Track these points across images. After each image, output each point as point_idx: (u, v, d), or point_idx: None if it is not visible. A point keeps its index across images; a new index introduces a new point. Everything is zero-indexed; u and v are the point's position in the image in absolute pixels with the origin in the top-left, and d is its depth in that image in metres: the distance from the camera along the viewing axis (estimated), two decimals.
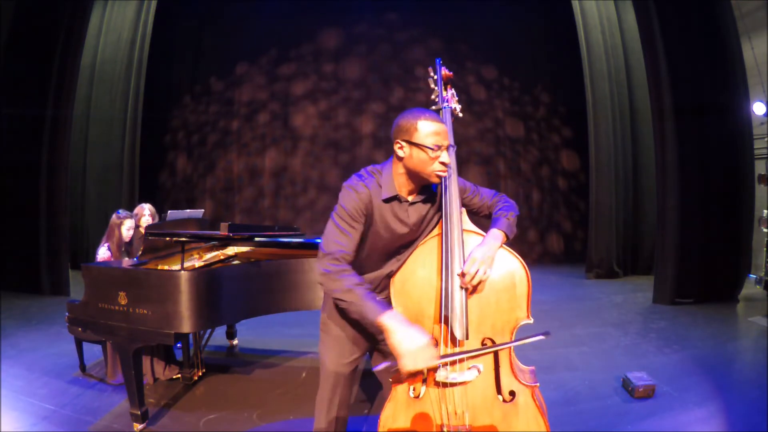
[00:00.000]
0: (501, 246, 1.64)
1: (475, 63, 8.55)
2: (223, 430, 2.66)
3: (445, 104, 1.86)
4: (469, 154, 8.58)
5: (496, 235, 1.65)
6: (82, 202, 7.49)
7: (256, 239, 2.95)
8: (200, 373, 3.29)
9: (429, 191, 1.73)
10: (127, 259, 3.35)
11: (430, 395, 1.61)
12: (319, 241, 2.99)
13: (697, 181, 5.28)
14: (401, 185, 1.67)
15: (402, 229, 1.70)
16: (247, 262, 3.05)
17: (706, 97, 5.22)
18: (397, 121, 1.65)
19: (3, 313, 4.83)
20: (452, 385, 1.57)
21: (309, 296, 2.97)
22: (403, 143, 1.62)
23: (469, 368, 1.57)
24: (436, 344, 1.62)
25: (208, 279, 2.60)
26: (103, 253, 3.37)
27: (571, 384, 3.18)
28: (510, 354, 1.63)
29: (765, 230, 5.31)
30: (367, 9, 8.52)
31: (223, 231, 2.55)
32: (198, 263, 3.04)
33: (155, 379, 3.25)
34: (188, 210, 4.18)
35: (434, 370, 1.58)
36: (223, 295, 2.70)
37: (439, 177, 1.63)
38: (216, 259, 3.17)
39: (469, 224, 1.69)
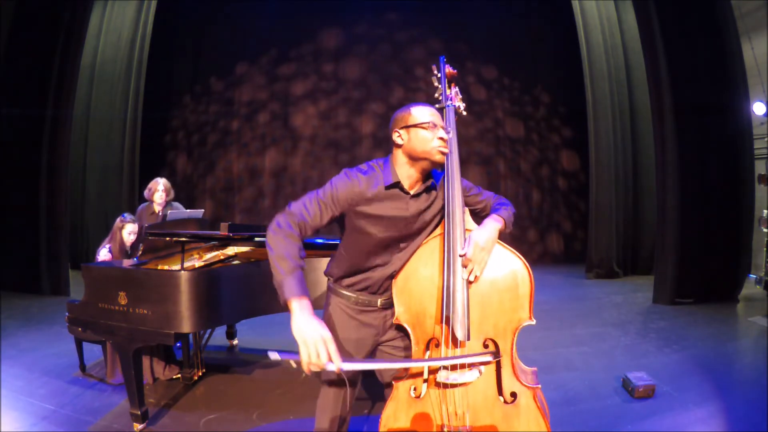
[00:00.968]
0: (500, 233, 1.64)
1: (475, 63, 8.55)
2: (223, 430, 2.66)
3: (449, 102, 1.85)
4: (469, 154, 8.57)
5: (496, 218, 1.67)
6: (82, 202, 7.49)
7: (256, 239, 2.95)
8: (200, 373, 3.29)
9: (430, 185, 1.70)
10: (127, 259, 3.35)
11: (431, 395, 1.61)
12: (319, 241, 3.01)
13: (697, 181, 5.28)
14: (403, 175, 1.66)
15: (399, 221, 1.67)
16: (247, 262, 3.05)
17: (706, 97, 5.22)
18: (392, 117, 1.70)
19: (3, 313, 4.83)
20: (453, 386, 1.57)
21: (309, 296, 2.96)
22: (400, 131, 1.65)
23: (470, 369, 1.57)
24: (438, 345, 1.62)
25: (208, 279, 2.60)
26: (104, 254, 3.38)
27: (571, 384, 3.18)
28: (512, 355, 1.62)
29: (765, 230, 5.31)
30: (367, 9, 8.52)
31: (223, 231, 2.55)
32: (198, 263, 3.04)
33: (155, 379, 3.25)
34: (188, 210, 4.18)
35: (435, 370, 1.57)
36: (223, 295, 2.70)
37: (442, 153, 1.62)
38: (216, 259, 3.17)
39: (471, 224, 1.68)
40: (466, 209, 1.70)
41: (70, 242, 6.67)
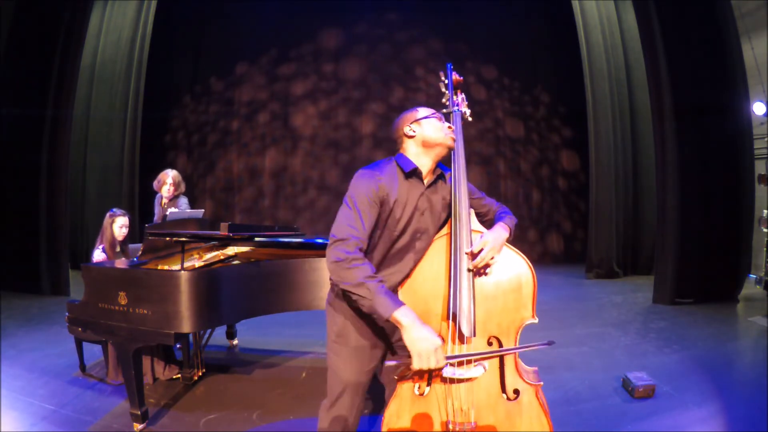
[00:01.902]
0: (507, 239, 1.71)
1: (475, 63, 8.55)
2: (223, 430, 2.66)
3: (456, 108, 1.89)
4: (469, 154, 8.49)
5: (503, 226, 1.74)
6: (82, 202, 7.49)
7: (256, 239, 2.96)
8: (200, 373, 3.29)
9: (440, 177, 1.79)
10: (123, 259, 3.34)
11: (435, 392, 1.63)
12: (319, 241, 3.01)
13: (697, 181, 5.28)
14: (419, 164, 1.74)
15: (416, 212, 1.73)
16: (247, 262, 3.05)
17: (706, 97, 5.22)
18: (398, 119, 1.81)
19: (3, 313, 4.83)
20: (458, 381, 1.60)
21: (309, 296, 2.97)
22: (411, 125, 1.76)
23: (475, 365, 1.60)
24: (443, 342, 1.63)
25: (208, 279, 2.60)
26: (98, 255, 3.36)
27: (571, 384, 3.18)
28: (515, 353, 1.65)
29: (765, 230, 5.31)
30: (367, 9, 8.52)
31: (223, 231, 2.55)
32: (198, 263, 3.04)
33: (155, 379, 3.25)
34: (188, 210, 4.17)
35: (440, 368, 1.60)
36: (223, 295, 2.70)
37: (453, 140, 1.73)
38: (216, 259, 3.17)
39: (477, 224, 1.73)
40: (472, 210, 1.74)
41: (70, 242, 6.66)
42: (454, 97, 1.92)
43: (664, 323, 4.57)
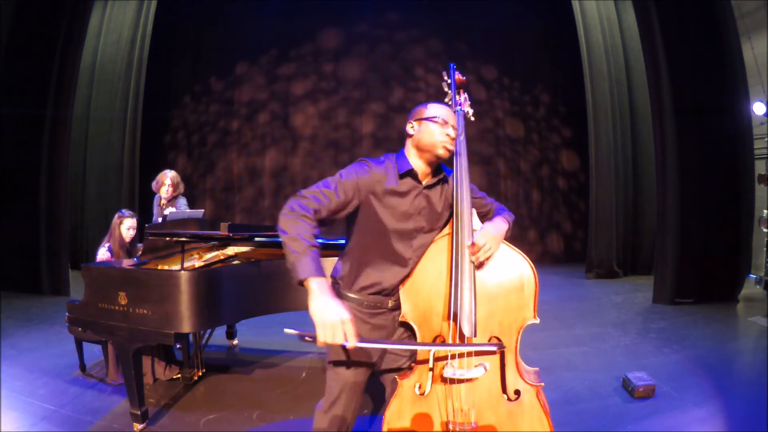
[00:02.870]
0: (506, 232, 1.72)
1: (475, 63, 8.54)
2: (223, 430, 2.66)
3: (458, 107, 1.89)
4: (469, 154, 8.47)
5: (503, 219, 1.75)
6: (82, 202, 7.48)
7: (256, 239, 2.96)
8: (200, 373, 3.29)
9: (442, 178, 1.77)
10: (129, 259, 3.35)
11: (436, 392, 1.63)
12: (319, 241, 3.01)
13: (697, 181, 5.28)
14: (414, 165, 1.72)
15: (413, 211, 1.71)
16: (247, 262, 3.05)
17: (706, 97, 5.22)
18: (412, 110, 1.78)
19: (3, 313, 4.83)
20: (459, 381, 1.59)
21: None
22: (414, 122, 1.73)
23: (477, 365, 1.60)
24: (444, 341, 1.64)
25: (208, 279, 2.60)
26: (102, 253, 3.36)
27: (571, 384, 3.18)
28: (516, 353, 1.65)
29: (765, 230, 5.30)
30: (367, 9, 8.52)
31: (223, 231, 2.56)
32: (198, 263, 3.04)
33: (155, 379, 3.25)
34: (188, 210, 4.17)
35: (442, 366, 1.60)
36: (223, 295, 2.70)
37: (446, 149, 1.68)
38: (216, 259, 3.17)
39: (478, 224, 1.73)
40: (474, 210, 1.74)
41: (70, 242, 6.66)
42: (457, 96, 1.92)
43: (664, 323, 4.58)
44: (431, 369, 1.64)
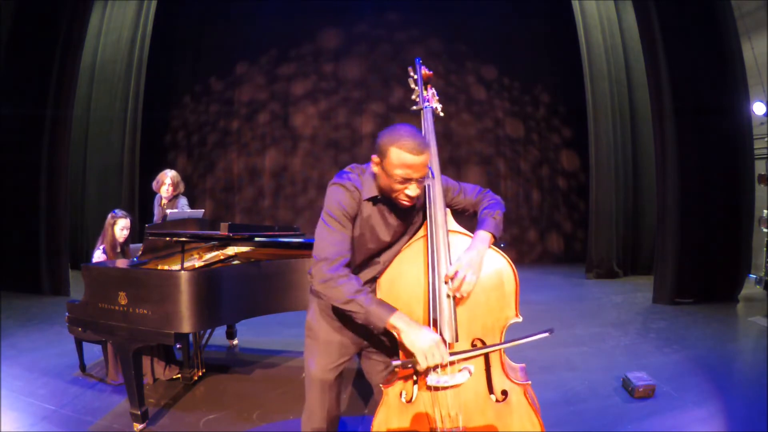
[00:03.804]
0: (489, 247, 1.62)
1: (475, 63, 8.55)
2: (223, 430, 2.66)
3: (426, 104, 1.83)
4: (469, 154, 8.57)
5: (483, 237, 1.61)
6: (82, 202, 7.48)
7: (256, 239, 2.95)
8: (200, 373, 3.29)
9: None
10: (123, 259, 3.34)
11: (422, 399, 1.60)
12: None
13: (697, 181, 5.28)
14: (381, 191, 1.64)
15: (385, 231, 1.68)
16: (247, 262, 3.05)
17: (706, 97, 5.22)
18: (380, 134, 1.60)
19: (3, 313, 4.83)
20: (443, 388, 1.56)
21: (308, 296, 2.96)
22: (378, 160, 1.58)
23: (460, 370, 1.56)
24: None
25: (208, 279, 2.60)
26: (98, 256, 3.35)
27: (571, 384, 3.18)
28: (501, 353, 1.62)
29: (765, 230, 5.30)
30: (367, 9, 8.52)
31: (223, 231, 2.56)
32: (198, 263, 3.04)
33: (155, 379, 3.25)
34: (188, 210, 4.17)
35: (425, 374, 1.56)
36: (223, 295, 2.70)
37: (404, 205, 1.61)
38: (216, 259, 3.17)
39: (454, 225, 1.68)
40: (448, 210, 1.69)
41: (70, 242, 6.66)
42: (424, 92, 1.85)
43: (664, 323, 4.57)
44: (415, 377, 1.61)
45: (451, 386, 1.56)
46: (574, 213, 8.62)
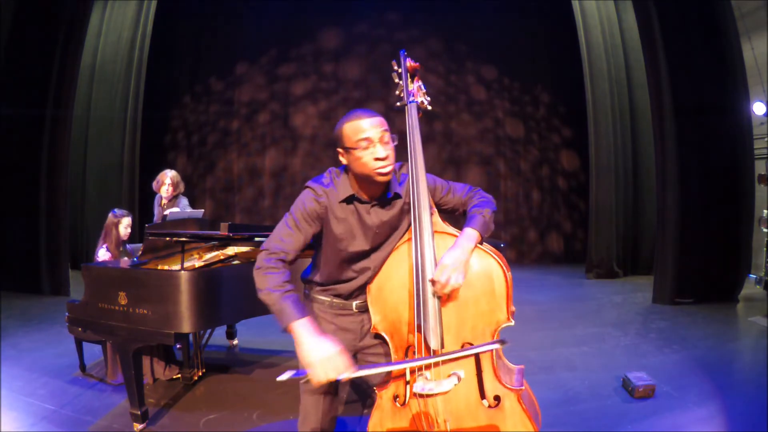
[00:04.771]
0: (476, 247, 1.54)
1: (475, 63, 8.54)
2: (223, 430, 2.66)
3: (411, 99, 1.69)
4: (469, 154, 8.57)
5: (469, 235, 1.54)
6: (82, 202, 7.49)
7: (256, 239, 2.95)
8: (200, 373, 3.29)
9: (394, 193, 1.64)
10: (126, 258, 3.35)
11: (415, 403, 1.57)
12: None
13: (697, 181, 5.28)
14: (358, 189, 1.61)
15: (361, 233, 1.64)
16: (248, 262, 3.05)
17: (706, 97, 5.22)
18: (336, 127, 1.60)
19: (3, 313, 4.83)
20: (428, 396, 1.51)
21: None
22: (341, 151, 1.59)
23: (448, 376, 1.49)
24: (413, 353, 1.56)
25: (208, 279, 2.60)
26: (103, 254, 3.37)
27: (571, 384, 3.18)
28: (492, 357, 1.55)
29: (765, 230, 5.30)
30: (367, 9, 8.52)
31: (223, 231, 2.55)
32: (198, 263, 3.04)
33: (155, 379, 3.25)
34: (188, 210, 4.18)
35: (411, 381, 1.52)
36: (224, 295, 2.70)
37: (382, 174, 1.53)
38: (216, 259, 3.17)
39: (441, 225, 1.61)
40: (435, 210, 1.64)
41: (70, 242, 6.66)
42: (410, 86, 1.72)
43: (664, 323, 4.57)
44: (407, 381, 1.57)
45: (437, 394, 1.49)
46: (574, 213, 8.62)
